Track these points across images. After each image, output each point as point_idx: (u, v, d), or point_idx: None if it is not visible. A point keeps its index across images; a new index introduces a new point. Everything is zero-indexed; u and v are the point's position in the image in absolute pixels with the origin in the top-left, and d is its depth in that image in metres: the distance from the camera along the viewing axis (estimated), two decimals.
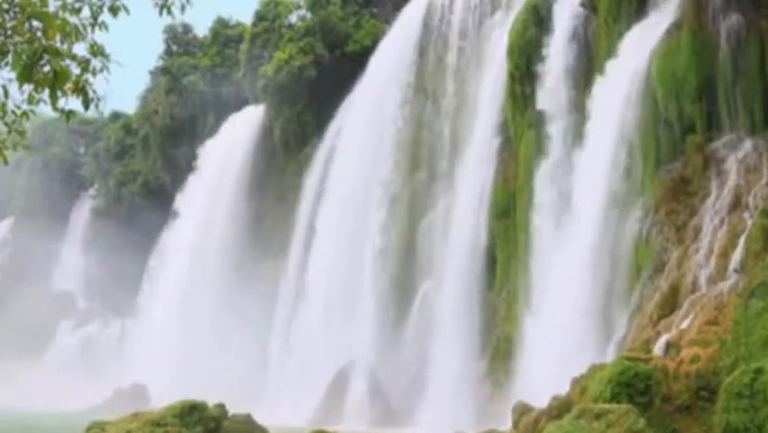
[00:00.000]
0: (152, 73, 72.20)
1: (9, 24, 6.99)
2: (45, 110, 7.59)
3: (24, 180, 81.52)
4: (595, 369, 25.30)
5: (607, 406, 21.69)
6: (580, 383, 25.37)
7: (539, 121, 39.14)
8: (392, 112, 49.49)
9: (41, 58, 6.72)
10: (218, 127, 64.24)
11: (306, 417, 41.94)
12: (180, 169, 65.83)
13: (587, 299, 32.78)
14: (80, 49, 7.26)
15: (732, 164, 30.53)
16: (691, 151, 31.68)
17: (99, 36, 7.46)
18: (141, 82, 73.25)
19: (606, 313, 32.61)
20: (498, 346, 40.35)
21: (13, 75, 6.90)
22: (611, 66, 34.73)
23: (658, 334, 27.29)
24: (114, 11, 7.60)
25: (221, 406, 28.41)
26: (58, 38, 6.94)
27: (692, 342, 25.02)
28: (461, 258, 42.16)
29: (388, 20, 55.94)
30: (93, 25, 7.46)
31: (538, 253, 37.19)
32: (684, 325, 26.58)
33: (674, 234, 31.06)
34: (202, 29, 74.75)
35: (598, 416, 20.95)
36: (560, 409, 24.43)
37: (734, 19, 31.62)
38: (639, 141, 33.25)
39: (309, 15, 59.88)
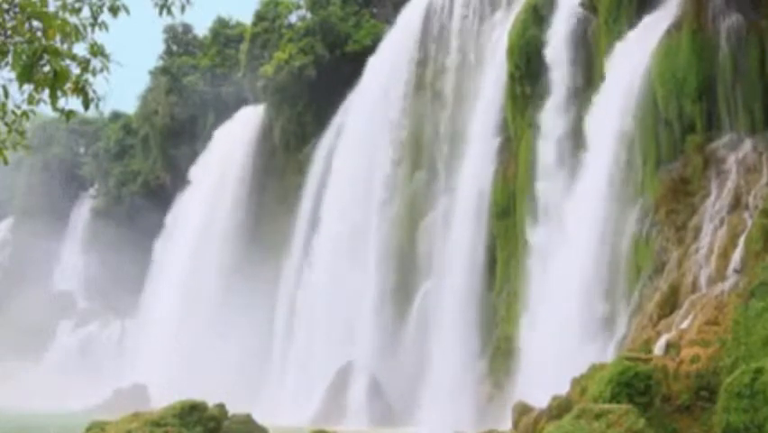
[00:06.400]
0: (152, 73, 72.19)
1: (9, 24, 6.98)
2: (45, 110, 7.59)
3: (24, 180, 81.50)
4: (595, 369, 25.30)
5: (607, 406, 21.68)
6: (580, 383, 25.38)
7: (539, 120, 39.13)
8: (392, 112, 49.49)
9: (41, 58, 6.72)
10: (218, 127, 64.22)
11: (306, 417, 41.95)
12: (180, 169, 65.83)
13: (587, 299, 32.78)
14: (80, 49, 7.27)
15: (732, 164, 30.52)
16: (691, 151, 31.67)
17: (99, 36, 7.47)
18: (141, 82, 73.33)
19: (606, 313, 32.61)
20: (498, 346, 40.34)
21: (13, 75, 6.89)
22: (611, 66, 34.73)
23: (658, 334, 27.30)
24: (114, 11, 7.60)
25: (221, 406, 28.43)
26: (58, 38, 6.94)
27: (692, 342, 25.03)
28: (461, 258, 42.15)
29: (388, 20, 55.93)
30: (93, 25, 7.46)
31: (538, 254, 37.18)
32: (684, 325, 26.59)
33: (674, 234, 31.06)
34: (202, 29, 74.85)
35: (598, 416, 20.94)
36: (560, 409, 24.44)
37: (734, 19, 31.62)
38: (639, 141, 33.25)
39: (309, 15, 59.86)
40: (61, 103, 7.07)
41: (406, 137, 48.95)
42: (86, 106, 7.35)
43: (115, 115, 76.97)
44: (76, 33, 7.18)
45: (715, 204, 30.21)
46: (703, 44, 31.85)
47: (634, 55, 33.61)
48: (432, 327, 42.69)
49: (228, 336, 50.98)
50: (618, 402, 22.21)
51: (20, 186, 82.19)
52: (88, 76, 7.25)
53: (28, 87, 7.12)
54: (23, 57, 6.68)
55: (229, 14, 75.42)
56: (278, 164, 59.74)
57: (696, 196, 31.08)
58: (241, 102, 64.54)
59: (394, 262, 47.10)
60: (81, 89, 7.22)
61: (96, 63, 7.28)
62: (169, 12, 8.07)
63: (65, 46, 7.03)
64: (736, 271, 27.38)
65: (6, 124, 7.81)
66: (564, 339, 32.19)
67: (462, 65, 47.27)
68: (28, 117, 7.70)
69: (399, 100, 49.51)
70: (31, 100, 7.41)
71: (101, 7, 7.54)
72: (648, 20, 34.12)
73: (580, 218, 34.26)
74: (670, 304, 29.06)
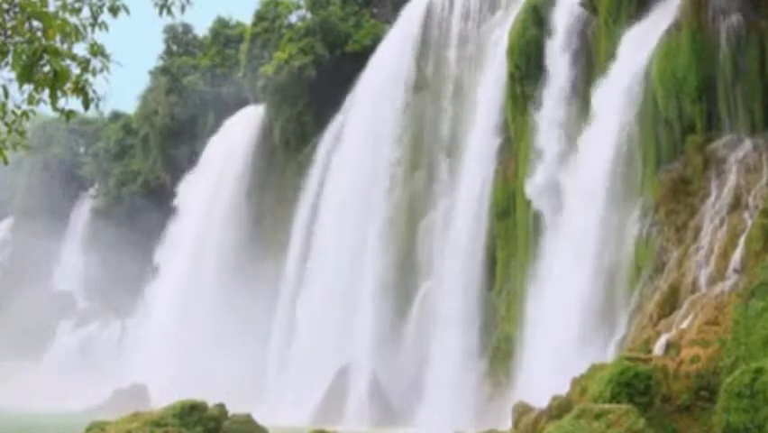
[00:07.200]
0: (152, 73, 72.20)
1: (9, 24, 6.98)
2: (45, 110, 7.59)
3: (24, 180, 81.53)
4: (595, 369, 25.30)
5: (607, 406, 21.68)
6: (580, 383, 25.38)
7: (539, 120, 39.12)
8: (392, 112, 49.48)
9: (41, 58, 6.71)
10: (218, 127, 64.25)
11: (307, 417, 41.95)
12: (180, 169, 65.84)
13: (587, 299, 32.78)
14: (80, 49, 7.26)
15: (732, 164, 30.53)
16: (691, 151, 31.68)
17: (99, 36, 7.46)
18: (141, 82, 73.36)
19: (606, 313, 32.61)
20: (498, 346, 40.35)
21: (13, 75, 6.89)
22: (611, 66, 34.73)
23: (658, 334, 27.30)
24: (114, 11, 7.60)
25: (221, 406, 28.42)
26: (58, 38, 6.94)
27: (692, 342, 25.03)
28: (461, 258, 42.15)
29: (388, 20, 55.95)
30: (93, 25, 7.46)
31: (538, 253, 37.18)
32: (684, 325, 26.59)
33: (674, 234, 31.06)
34: (202, 29, 74.85)
35: (598, 416, 20.94)
36: (560, 409, 24.44)
37: (734, 19, 31.62)
38: (639, 141, 33.26)
39: (309, 15, 59.87)
40: (61, 103, 7.07)
41: (406, 137, 48.95)
42: (86, 106, 7.34)
43: (115, 115, 76.97)
44: (76, 33, 7.17)
45: (715, 204, 30.21)
46: (703, 44, 31.85)
47: (634, 55, 33.60)
48: (432, 327, 42.69)
49: (228, 335, 50.97)
50: (618, 402, 22.21)
51: (20, 186, 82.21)
52: (88, 76, 7.24)
53: (28, 87, 7.12)
54: (23, 57, 6.68)
55: (229, 14, 75.58)
56: (278, 164, 59.74)
57: (696, 196, 31.08)
58: (241, 102, 64.55)
59: (394, 262, 47.09)
60: (81, 89, 7.21)
61: (96, 63, 7.28)
62: (169, 12, 8.07)
63: (65, 46, 7.02)
64: (735, 271, 27.39)
65: (6, 124, 7.81)
66: (564, 339, 32.19)
67: (462, 65, 47.27)
68: (28, 117, 7.69)
69: (399, 100, 49.50)
70: (31, 100, 7.41)
71: (101, 7, 7.54)
72: (648, 20, 34.12)
73: (580, 218, 34.27)
74: (670, 304, 29.06)
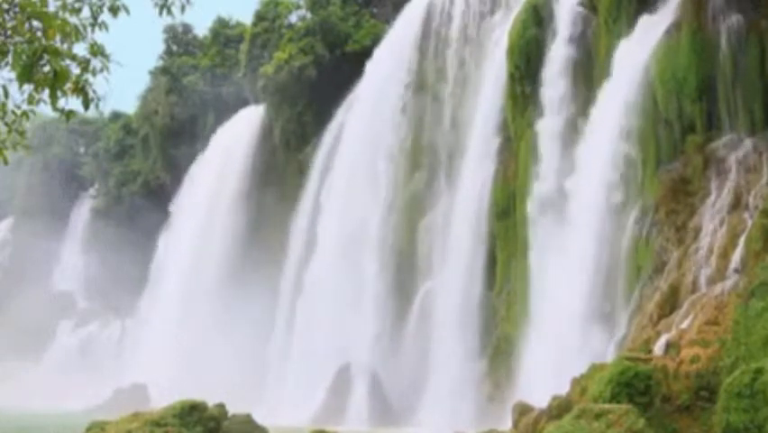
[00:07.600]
0: (152, 73, 72.18)
1: (9, 24, 6.98)
2: (45, 110, 7.58)
3: (24, 180, 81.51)
4: (595, 369, 25.31)
5: (607, 406, 21.68)
6: (580, 383, 25.39)
7: (539, 121, 39.13)
8: (392, 112, 49.48)
9: (41, 58, 6.71)
10: (218, 127, 64.24)
11: (307, 417, 41.93)
12: (180, 169, 65.84)
13: (587, 299, 32.79)
14: (80, 49, 7.27)
15: (732, 164, 30.54)
16: (691, 151, 31.69)
17: (99, 36, 7.46)
18: (141, 82, 73.31)
19: (606, 313, 32.62)
20: (498, 346, 40.35)
21: (13, 75, 6.89)
22: (611, 66, 34.74)
23: (658, 334, 27.31)
24: (114, 11, 7.60)
25: (221, 406, 28.42)
26: (58, 38, 6.94)
27: (692, 342, 25.03)
28: (462, 258, 42.16)
29: (388, 20, 55.95)
30: (93, 25, 7.46)
31: (538, 253, 37.18)
32: (684, 325, 26.60)
33: (674, 234, 31.07)
34: (202, 29, 74.80)
35: (598, 416, 20.94)
36: (560, 409, 24.44)
37: (734, 19, 31.64)
38: (639, 141, 33.28)
39: (309, 15, 59.88)
40: (61, 103, 7.07)
41: (406, 137, 48.95)
42: (86, 106, 7.34)
43: (115, 115, 76.95)
44: (76, 33, 7.17)
45: (715, 204, 30.22)
46: (703, 44, 31.87)
47: (633, 55, 33.62)
48: (432, 327, 42.69)
49: (228, 335, 50.96)
50: (618, 402, 22.21)
51: (20, 186, 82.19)
52: (88, 76, 7.24)
53: (28, 87, 7.12)
54: (23, 57, 6.68)
55: (229, 14, 75.54)
56: (278, 164, 59.75)
57: (696, 196, 31.09)
58: (241, 102, 64.53)
59: (394, 262, 47.09)
60: (81, 89, 7.21)
61: (96, 63, 7.28)
62: (169, 12, 8.07)
63: (65, 46, 7.03)
64: (736, 271, 27.40)
65: (6, 124, 7.81)
66: (564, 339, 32.21)
67: (462, 65, 47.27)
68: (28, 117, 7.69)
69: (399, 100, 49.50)
70: (31, 100, 7.41)
71: (101, 7, 7.54)
72: (648, 20, 34.13)
73: (579, 218, 34.28)
74: (670, 304, 29.07)
